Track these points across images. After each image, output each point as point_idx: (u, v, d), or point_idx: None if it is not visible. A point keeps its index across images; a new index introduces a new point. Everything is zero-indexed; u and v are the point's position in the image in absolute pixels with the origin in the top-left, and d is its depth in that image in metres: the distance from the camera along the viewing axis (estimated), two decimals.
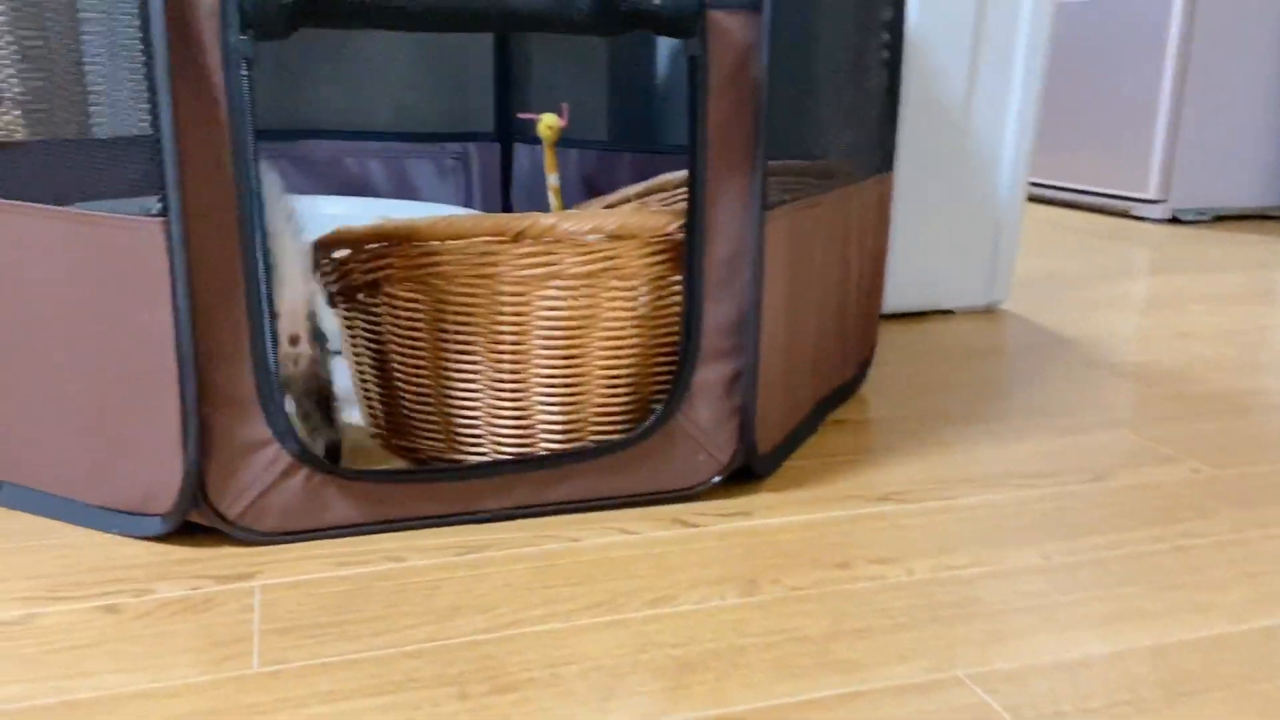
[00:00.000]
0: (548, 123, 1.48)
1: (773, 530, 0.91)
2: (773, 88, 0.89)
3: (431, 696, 0.67)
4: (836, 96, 1.07)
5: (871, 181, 1.22)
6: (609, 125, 1.73)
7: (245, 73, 0.77)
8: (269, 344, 0.83)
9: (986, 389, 1.32)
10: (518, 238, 0.89)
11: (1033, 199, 3.35)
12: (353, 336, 1.01)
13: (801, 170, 1.00)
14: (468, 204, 1.79)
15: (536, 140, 1.76)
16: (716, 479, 0.95)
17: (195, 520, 0.85)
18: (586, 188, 1.71)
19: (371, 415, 1.03)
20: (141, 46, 0.76)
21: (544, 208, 1.74)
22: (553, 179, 1.46)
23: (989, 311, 1.73)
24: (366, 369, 1.01)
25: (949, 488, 1.01)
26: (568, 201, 1.73)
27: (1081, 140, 3.11)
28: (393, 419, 1.00)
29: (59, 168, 0.83)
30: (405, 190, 1.75)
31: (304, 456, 0.85)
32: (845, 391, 1.25)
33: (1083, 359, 1.47)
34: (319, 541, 0.86)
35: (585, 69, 1.75)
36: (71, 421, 0.86)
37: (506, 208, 1.81)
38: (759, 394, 0.95)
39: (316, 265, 0.99)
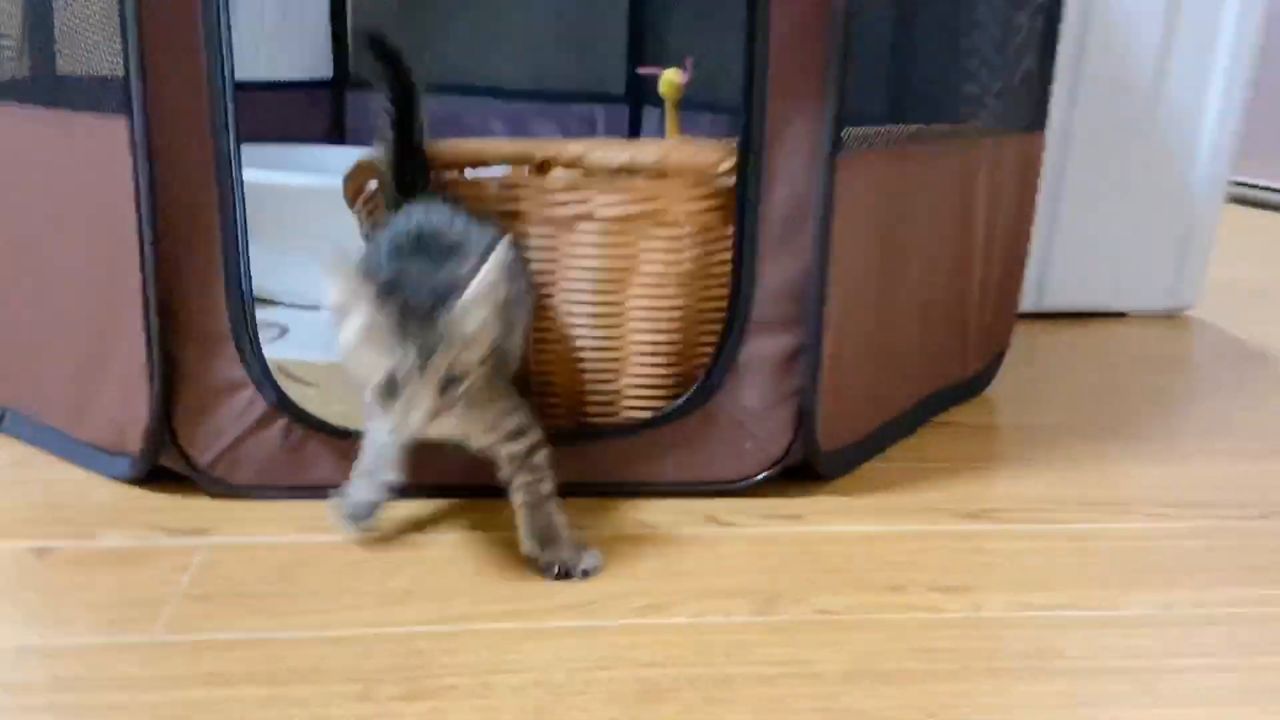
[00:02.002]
0: (668, 78, 1.34)
1: (820, 540, 0.75)
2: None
3: (324, 694, 0.55)
4: (957, 26, 0.89)
5: (1012, 139, 1.02)
6: None
7: None
8: (246, 275, 0.73)
9: (1150, 402, 1.10)
10: (543, 167, 0.76)
11: (1243, 201, 2.94)
12: None
13: (900, 111, 0.83)
14: None
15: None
16: (764, 474, 0.80)
17: (168, 466, 0.77)
18: None
19: None
20: None
21: None
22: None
23: (1171, 317, 1.47)
24: None
25: (1062, 510, 0.82)
26: None
27: None
28: None
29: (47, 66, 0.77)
30: None
31: (283, 404, 0.75)
32: (963, 391, 1.06)
33: (1278, 378, 1.21)
34: (299, 502, 0.76)
35: (726, 25, 1.60)
36: (63, 349, 0.80)
37: None
38: (823, 377, 0.78)
39: (350, 200, 0.90)
